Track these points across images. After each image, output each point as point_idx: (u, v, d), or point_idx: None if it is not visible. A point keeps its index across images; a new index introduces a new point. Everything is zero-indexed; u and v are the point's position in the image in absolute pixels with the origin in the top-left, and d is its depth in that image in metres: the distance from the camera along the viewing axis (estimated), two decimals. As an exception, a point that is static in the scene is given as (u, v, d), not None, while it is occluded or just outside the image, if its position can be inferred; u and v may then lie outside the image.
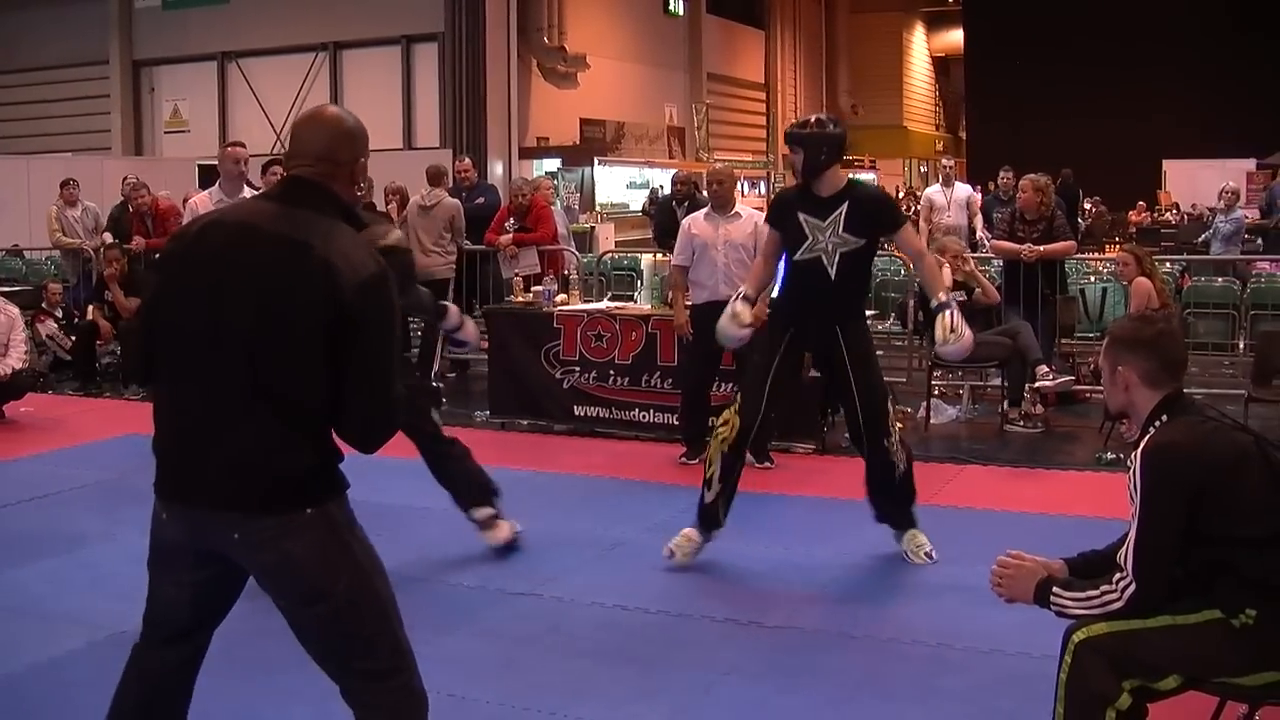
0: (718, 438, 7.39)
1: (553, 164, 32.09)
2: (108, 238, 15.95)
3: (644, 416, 10.65)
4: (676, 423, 10.32)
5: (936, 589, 6.86)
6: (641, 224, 30.85)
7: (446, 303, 7.46)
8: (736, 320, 7.47)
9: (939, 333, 7.17)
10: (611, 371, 10.78)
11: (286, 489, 3.64)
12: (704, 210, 9.80)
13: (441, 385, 13.12)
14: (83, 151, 31.96)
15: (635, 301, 12.11)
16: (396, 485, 9.24)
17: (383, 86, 31.69)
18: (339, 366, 3.57)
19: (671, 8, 40.40)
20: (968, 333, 7.20)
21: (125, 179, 17.25)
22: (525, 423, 11.45)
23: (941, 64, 61.72)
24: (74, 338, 14.07)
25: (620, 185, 35.51)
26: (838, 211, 7.16)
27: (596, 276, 14.55)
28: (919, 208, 19.86)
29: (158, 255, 3.81)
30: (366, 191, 13.90)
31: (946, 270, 11.08)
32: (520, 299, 12.01)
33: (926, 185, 29.63)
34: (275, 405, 3.58)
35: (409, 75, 31.79)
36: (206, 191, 10.59)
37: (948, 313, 7.13)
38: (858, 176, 9.12)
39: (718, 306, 9.30)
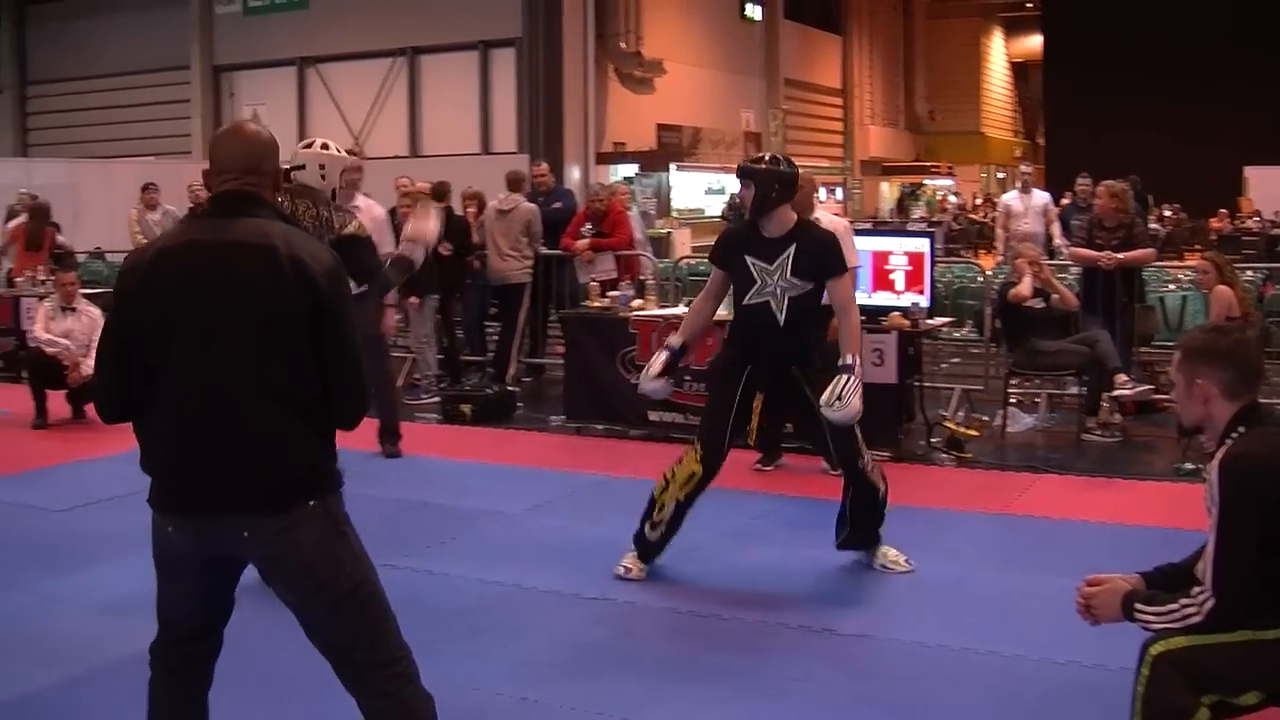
0: (675, 482, 7.19)
1: (629, 169, 32.11)
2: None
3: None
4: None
5: (1010, 599, 6.80)
6: (718, 229, 30.87)
7: (403, 253, 7.54)
8: (648, 375, 7.45)
9: (826, 393, 6.85)
10: (686, 377, 10.74)
11: (292, 484, 3.82)
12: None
13: (517, 389, 13.19)
14: (163, 155, 32.31)
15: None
16: (469, 489, 9.32)
17: (460, 91, 31.82)
18: (319, 353, 3.81)
19: (748, 13, 40.37)
20: (855, 404, 6.85)
21: (190, 186, 17.44)
22: (600, 427, 11.49)
23: (1020, 69, 61.31)
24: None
25: (697, 190, 35.49)
26: (785, 254, 7.05)
27: (672, 282, 14.53)
28: (996, 215, 19.75)
29: (116, 288, 3.95)
30: (445, 195, 13.99)
31: (1027, 280, 11.02)
32: (596, 304, 12.04)
33: (1004, 192, 29.44)
34: (275, 403, 3.78)
35: (486, 80, 31.88)
36: None
37: (844, 377, 6.88)
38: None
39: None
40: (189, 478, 3.82)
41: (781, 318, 7.06)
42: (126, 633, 5.19)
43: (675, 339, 7.46)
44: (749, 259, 7.11)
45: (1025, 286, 10.99)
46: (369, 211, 10.40)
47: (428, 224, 7.70)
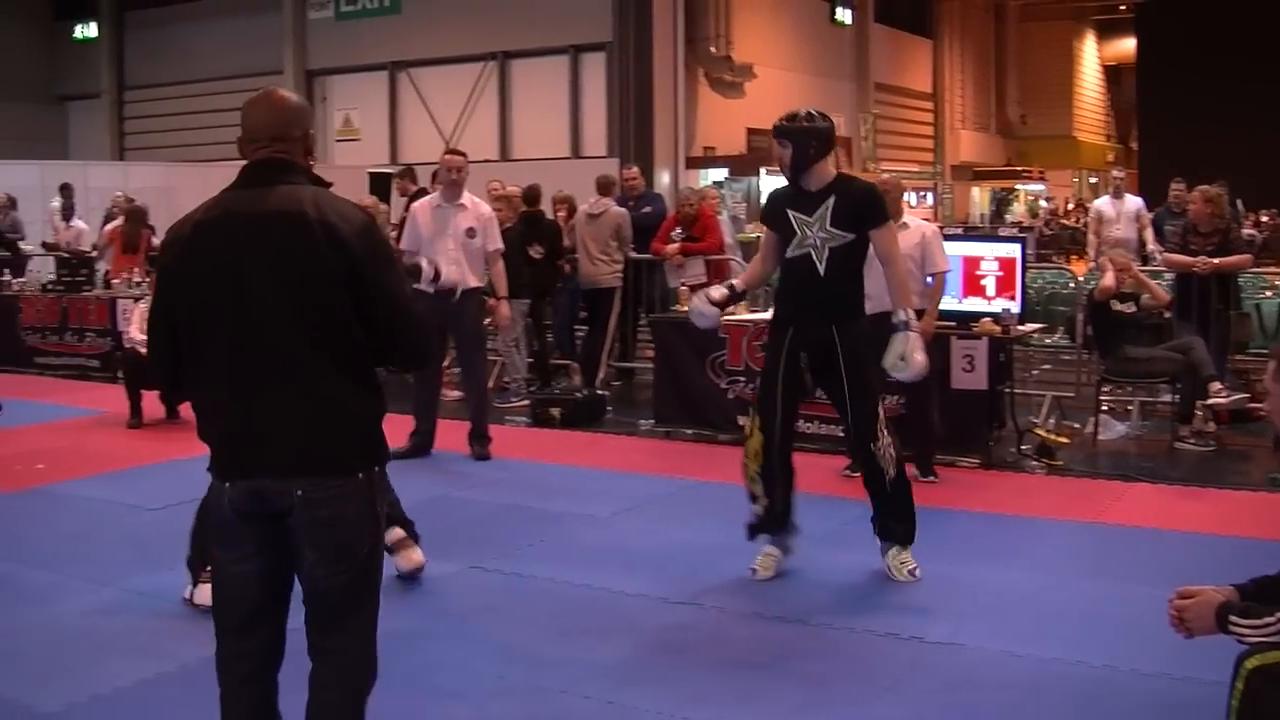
0: (749, 458, 7.42)
1: (719, 173, 32.11)
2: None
3: (809, 428, 10.58)
4: (841, 434, 10.27)
5: (1100, 609, 6.75)
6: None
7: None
8: (706, 297, 7.59)
9: (888, 357, 7.07)
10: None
11: (342, 450, 3.96)
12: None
13: (607, 393, 13.22)
14: (258, 159, 32.59)
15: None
16: (558, 492, 9.35)
17: (551, 96, 31.95)
18: (366, 308, 3.92)
19: (838, 17, 40.26)
20: (919, 359, 7.06)
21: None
22: (689, 431, 11.50)
23: (1113, 73, 60.65)
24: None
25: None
26: (824, 205, 7.11)
27: (762, 287, 14.52)
28: (1088, 220, 19.59)
29: (158, 264, 4.03)
30: (536, 199, 14.05)
31: (1110, 275, 10.95)
32: (686, 308, 12.03)
33: (1096, 197, 29.19)
34: (321, 369, 3.89)
35: (577, 85, 31.98)
36: (427, 198, 11.24)
37: (902, 335, 7.04)
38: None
39: (886, 317, 9.28)
40: (249, 445, 3.93)
41: (822, 268, 7.11)
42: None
43: (738, 282, 7.71)
44: (790, 212, 7.22)
45: (1109, 278, 10.92)
46: (475, 209, 10.55)
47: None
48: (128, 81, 40.85)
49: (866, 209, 7.15)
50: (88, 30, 41.68)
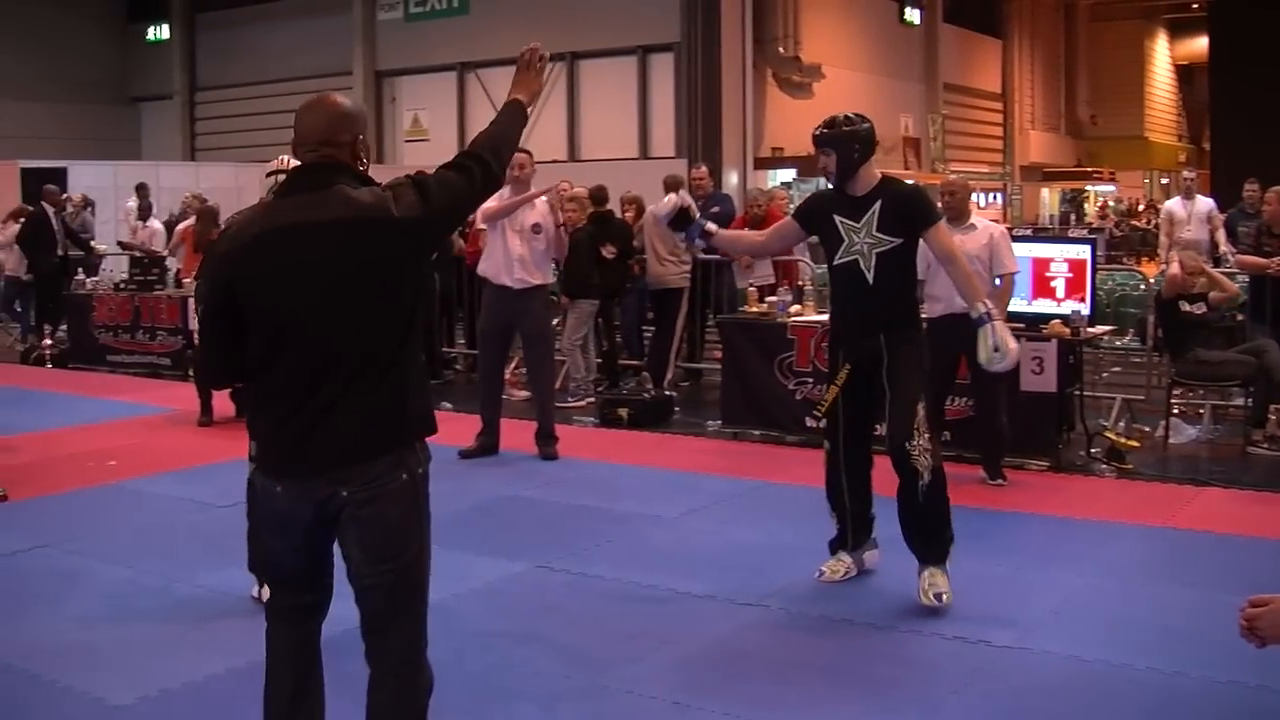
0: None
1: (787, 174, 32.04)
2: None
3: (877, 430, 10.57)
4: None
5: (1171, 615, 6.69)
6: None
7: None
8: (673, 202, 7.69)
9: (981, 352, 6.75)
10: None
11: (391, 453, 4.08)
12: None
13: (675, 394, 13.23)
14: (328, 159, 32.82)
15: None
16: (625, 493, 9.36)
17: (619, 96, 32.01)
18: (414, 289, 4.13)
19: (907, 17, 40.11)
20: (1013, 345, 6.74)
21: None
22: (757, 433, 11.48)
23: (1185, 72, 60.09)
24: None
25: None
26: (871, 210, 6.88)
27: (762, 260, 14.45)
28: (1159, 221, 19.44)
29: (215, 270, 4.26)
30: (604, 199, 14.08)
31: (1175, 266, 10.87)
32: (754, 309, 12.05)
33: (1167, 198, 28.96)
34: (380, 374, 4.01)
35: (645, 85, 32.02)
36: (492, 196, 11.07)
37: (988, 327, 6.71)
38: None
39: (954, 319, 9.23)
40: (301, 442, 4.02)
41: (870, 275, 6.86)
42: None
43: (713, 227, 7.76)
44: (837, 218, 6.98)
45: (1175, 268, 10.84)
46: (541, 206, 10.57)
47: None
48: (199, 83, 41.23)
49: (915, 210, 6.96)
50: (160, 32, 42.11)
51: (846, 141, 6.94)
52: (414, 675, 4.25)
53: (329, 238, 3.95)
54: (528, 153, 10.81)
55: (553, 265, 11.26)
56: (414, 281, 4.11)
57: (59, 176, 23.99)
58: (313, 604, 4.33)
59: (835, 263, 7.04)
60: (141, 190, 22.59)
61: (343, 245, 3.95)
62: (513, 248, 10.43)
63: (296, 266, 3.96)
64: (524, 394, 12.85)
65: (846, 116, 7.06)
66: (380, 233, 3.98)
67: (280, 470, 4.09)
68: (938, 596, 6.77)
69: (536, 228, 10.52)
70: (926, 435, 6.83)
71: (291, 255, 3.97)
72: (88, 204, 21.29)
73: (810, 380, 10.95)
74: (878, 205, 6.87)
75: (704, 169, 16.27)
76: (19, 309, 19.66)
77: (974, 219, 9.66)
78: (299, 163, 4.18)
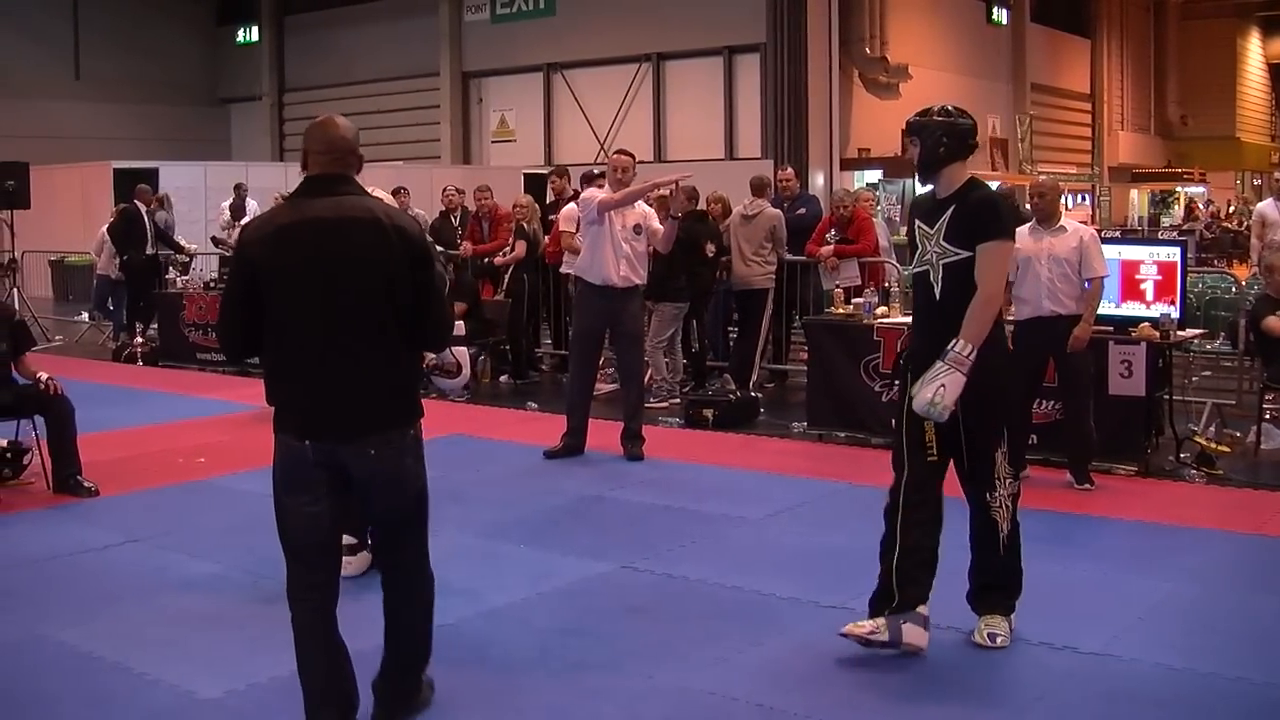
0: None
1: (874, 175, 31.97)
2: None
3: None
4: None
5: (1262, 624, 6.63)
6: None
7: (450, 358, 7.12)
8: None
9: (919, 388, 6.00)
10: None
11: (403, 410, 4.96)
12: (1028, 224, 9.62)
13: (760, 395, 13.21)
14: (414, 160, 33.06)
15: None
16: (711, 494, 9.36)
17: (705, 97, 32.04)
18: (417, 296, 4.85)
19: (994, 17, 39.91)
20: (924, 395, 5.94)
21: (445, 189, 17.70)
22: (842, 435, 11.45)
23: (1278, 71, 59.39)
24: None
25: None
26: (944, 216, 6.18)
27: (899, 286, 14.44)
28: (1251, 223, 19.20)
29: (241, 256, 5.04)
30: (696, 199, 14.08)
31: (1273, 320, 10.68)
32: (840, 311, 12.01)
33: (1259, 199, 28.61)
34: (387, 347, 4.84)
35: (731, 86, 32.03)
36: (591, 190, 11.58)
37: (939, 364, 5.96)
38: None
39: (1042, 322, 9.17)
40: (325, 408, 4.82)
41: (938, 289, 6.18)
42: (370, 624, 5.31)
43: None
44: (917, 222, 6.39)
45: (1274, 324, 10.62)
46: (639, 207, 10.63)
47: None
48: (287, 84, 41.65)
49: (979, 220, 6.11)
50: (249, 34, 42.61)
51: (933, 132, 6.24)
52: (421, 576, 5.22)
53: (346, 233, 4.76)
54: (630, 155, 10.88)
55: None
56: (404, 279, 4.81)
57: (151, 177, 24.28)
58: (325, 581, 5.02)
59: (912, 271, 6.52)
60: (238, 189, 22.85)
61: (358, 240, 4.76)
62: (620, 246, 10.47)
63: (317, 256, 4.75)
64: (607, 388, 12.89)
65: (944, 108, 6.36)
66: (401, 240, 4.81)
67: (307, 432, 4.83)
68: (991, 637, 6.30)
69: (638, 228, 10.57)
70: (1008, 482, 6.29)
71: (312, 244, 4.76)
72: (164, 203, 21.48)
73: (896, 382, 10.86)
74: (951, 211, 6.19)
75: (790, 170, 16.22)
76: (111, 307, 19.91)
77: (1064, 221, 9.55)
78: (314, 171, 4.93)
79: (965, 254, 6.07)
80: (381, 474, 4.89)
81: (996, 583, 6.41)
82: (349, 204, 4.83)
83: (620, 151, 11.11)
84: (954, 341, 5.94)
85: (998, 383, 6.18)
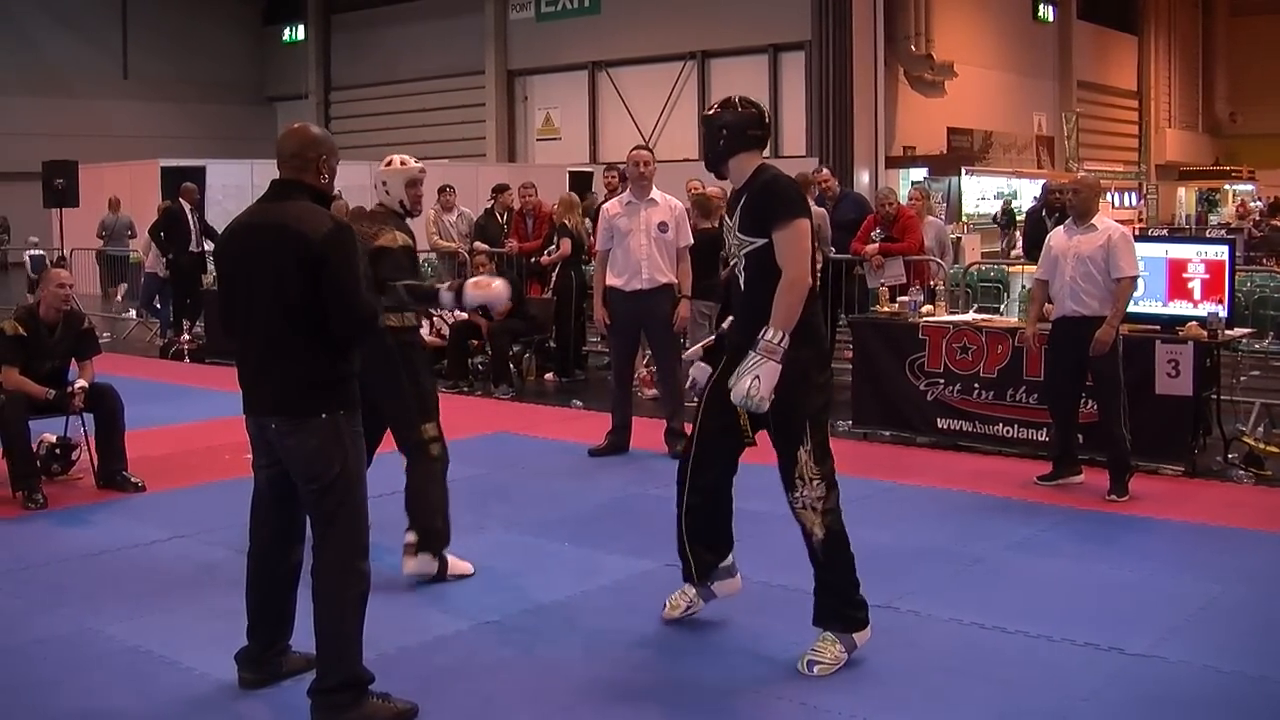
0: None
1: (919, 173, 31.89)
2: (480, 245, 16.35)
3: (1008, 431, 10.48)
4: (1042, 439, 10.14)
5: (1312, 623, 6.59)
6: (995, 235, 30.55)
7: (437, 285, 6.73)
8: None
9: (733, 380, 5.83)
10: (976, 385, 10.65)
11: (309, 398, 5.32)
12: (1067, 221, 9.55)
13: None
14: (459, 158, 33.14)
15: (1001, 314, 11.91)
16: (755, 492, 9.33)
17: (750, 94, 31.68)
18: (325, 295, 5.20)
19: (1041, 14, 39.79)
20: (744, 386, 5.76)
21: (520, 187, 17.71)
22: (887, 434, 11.42)
23: (1330, 68, 58.91)
24: (446, 337, 14.56)
25: (988, 195, 34.98)
26: (738, 206, 6.07)
27: (963, 288, 14.37)
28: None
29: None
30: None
31: None
32: (886, 309, 11.98)
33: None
34: (295, 337, 5.26)
35: (776, 83, 32.03)
36: (616, 197, 11.52)
37: (751, 354, 5.81)
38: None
39: (1069, 322, 9.08)
40: (252, 388, 5.45)
41: (742, 279, 6.07)
42: (441, 619, 5.33)
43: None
44: (725, 216, 6.32)
45: None
46: (666, 204, 10.61)
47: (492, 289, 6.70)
48: (333, 82, 41.84)
49: (766, 205, 5.96)
50: (295, 33, 42.82)
51: (713, 125, 6.25)
52: (337, 580, 5.39)
53: (263, 238, 5.29)
54: (649, 150, 10.85)
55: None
56: (292, 279, 5.17)
57: (198, 175, 24.38)
58: (272, 532, 5.71)
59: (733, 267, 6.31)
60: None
61: (269, 247, 5.25)
62: (639, 249, 10.45)
63: (244, 256, 5.36)
64: (653, 392, 12.88)
65: (728, 99, 6.36)
66: (293, 243, 5.18)
67: (245, 408, 5.49)
68: (810, 665, 5.96)
69: (663, 226, 10.54)
70: (815, 485, 6.05)
71: (243, 247, 5.39)
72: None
73: (942, 381, 10.87)
74: (742, 201, 6.08)
75: (825, 171, 16.16)
76: (159, 305, 20.01)
77: (1098, 219, 9.36)
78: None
79: (760, 241, 5.92)
80: (289, 452, 5.38)
81: (822, 593, 6.16)
82: (274, 209, 5.36)
83: (639, 147, 11.11)
84: (764, 329, 5.80)
85: (803, 376, 5.94)
